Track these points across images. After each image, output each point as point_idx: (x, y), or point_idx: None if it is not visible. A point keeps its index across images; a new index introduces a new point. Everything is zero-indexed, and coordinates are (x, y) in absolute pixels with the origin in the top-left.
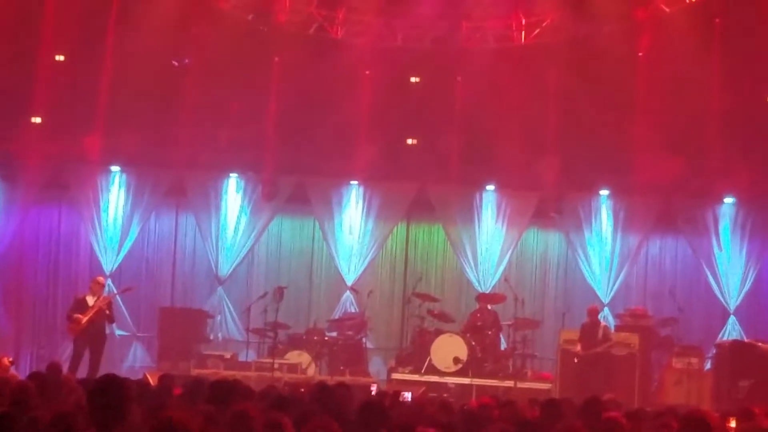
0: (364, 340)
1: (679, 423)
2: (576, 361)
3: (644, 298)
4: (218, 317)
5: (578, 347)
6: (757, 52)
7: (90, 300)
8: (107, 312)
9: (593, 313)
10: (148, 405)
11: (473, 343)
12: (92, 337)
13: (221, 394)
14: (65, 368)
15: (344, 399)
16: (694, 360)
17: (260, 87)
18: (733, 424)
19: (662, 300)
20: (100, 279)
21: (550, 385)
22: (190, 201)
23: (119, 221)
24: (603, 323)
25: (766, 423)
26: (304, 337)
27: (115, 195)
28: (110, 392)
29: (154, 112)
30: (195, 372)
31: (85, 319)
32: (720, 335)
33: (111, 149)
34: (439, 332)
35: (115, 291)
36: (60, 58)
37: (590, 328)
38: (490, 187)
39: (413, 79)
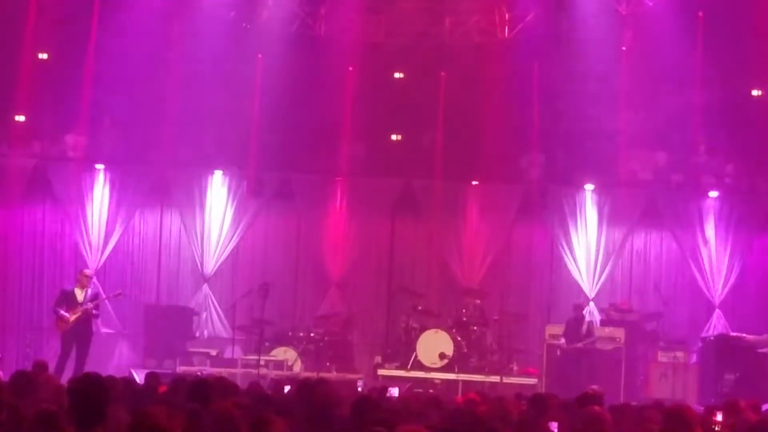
0: (349, 336)
1: (661, 416)
2: (558, 354)
3: (629, 292)
4: (204, 314)
5: (562, 341)
6: (740, 46)
7: (78, 293)
8: (94, 311)
9: (578, 308)
10: (133, 403)
11: (459, 338)
12: (79, 335)
13: (204, 391)
14: (52, 366)
15: (328, 395)
16: (679, 354)
17: (244, 84)
18: (719, 417)
19: (647, 294)
20: (87, 271)
21: (536, 380)
22: (175, 198)
23: (104, 219)
24: (587, 318)
25: (751, 416)
26: (290, 334)
27: (99, 193)
28: (90, 391)
29: (137, 109)
30: (181, 369)
31: (72, 318)
32: (705, 329)
33: (95, 147)
34: (424, 328)
35: (103, 294)
36: (43, 56)
37: (574, 324)
38: (475, 182)
39: (397, 75)
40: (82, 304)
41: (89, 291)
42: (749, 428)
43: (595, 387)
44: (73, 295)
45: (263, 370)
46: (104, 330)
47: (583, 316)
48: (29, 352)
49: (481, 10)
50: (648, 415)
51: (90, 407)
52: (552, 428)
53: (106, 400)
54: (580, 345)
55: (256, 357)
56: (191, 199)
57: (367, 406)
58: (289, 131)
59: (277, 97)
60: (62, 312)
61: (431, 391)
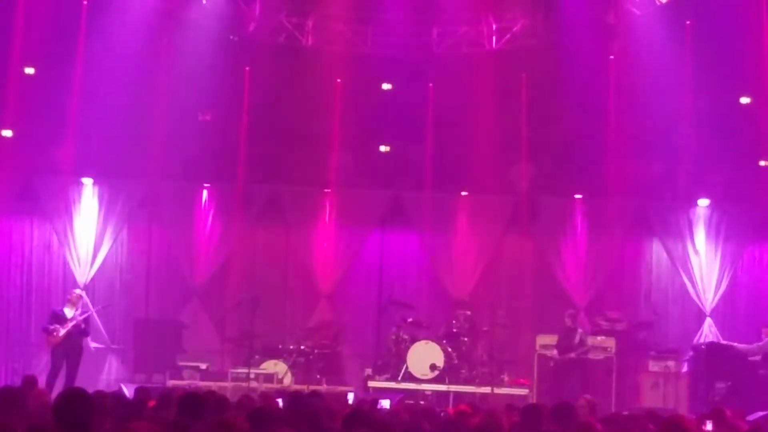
0: (339, 348)
1: (656, 427)
2: (552, 365)
3: (620, 302)
4: (193, 328)
5: (555, 352)
6: (728, 54)
7: (68, 312)
8: (83, 326)
9: (570, 318)
10: (123, 418)
11: (449, 349)
12: (69, 349)
13: (193, 405)
14: (42, 381)
15: (319, 408)
16: (670, 363)
17: (231, 96)
18: (709, 426)
19: (638, 304)
20: (77, 292)
21: (528, 390)
22: (163, 210)
23: (92, 232)
24: (580, 329)
25: (741, 425)
26: (280, 347)
27: (87, 207)
28: (76, 407)
29: (125, 123)
30: (171, 383)
31: (62, 332)
32: (696, 338)
33: (82, 161)
34: (414, 339)
35: (92, 308)
36: (30, 71)
37: (567, 334)
38: (464, 193)
39: (385, 86)
40: (71, 320)
41: (79, 310)
42: None
43: (587, 396)
44: (63, 315)
45: (253, 384)
46: (93, 345)
47: (575, 326)
48: (17, 367)
49: (469, 21)
50: (642, 425)
51: (76, 422)
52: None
53: (92, 416)
54: (573, 355)
55: (246, 370)
56: (179, 211)
57: (358, 419)
58: (277, 143)
59: (265, 110)
60: (51, 327)
61: (422, 402)
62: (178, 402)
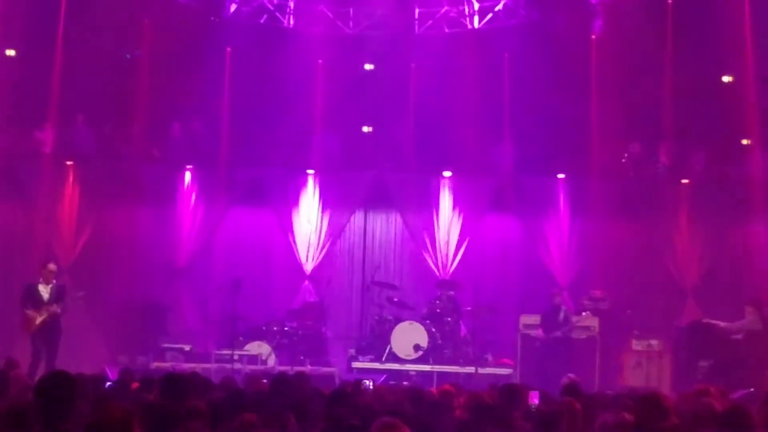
0: (323, 329)
1: (634, 404)
2: (537, 345)
3: (603, 281)
4: (177, 310)
5: (539, 331)
6: (710, 32)
7: (42, 289)
8: (59, 311)
9: (554, 296)
10: (105, 400)
11: (433, 329)
12: (47, 335)
13: (174, 387)
14: (24, 364)
15: (304, 389)
16: (653, 342)
17: (213, 78)
18: None
19: (621, 283)
20: (52, 266)
21: (511, 370)
22: (147, 193)
23: (74, 215)
24: (564, 307)
25: (717, 404)
26: (264, 328)
27: (69, 189)
28: (58, 389)
29: (107, 105)
30: (154, 365)
31: (38, 320)
32: (679, 316)
33: (65, 143)
34: (398, 320)
35: (68, 290)
36: (11, 53)
37: (551, 312)
38: (447, 174)
39: (367, 67)
40: (47, 303)
41: (54, 285)
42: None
43: (571, 375)
44: (37, 291)
45: (237, 365)
46: (76, 326)
47: (559, 305)
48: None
49: (450, 1)
50: (623, 402)
51: (57, 404)
52: (533, 399)
53: (74, 398)
54: (558, 333)
55: (229, 352)
56: (163, 193)
57: (340, 400)
58: (259, 125)
59: (247, 91)
60: (27, 312)
61: (406, 383)
62: (158, 384)
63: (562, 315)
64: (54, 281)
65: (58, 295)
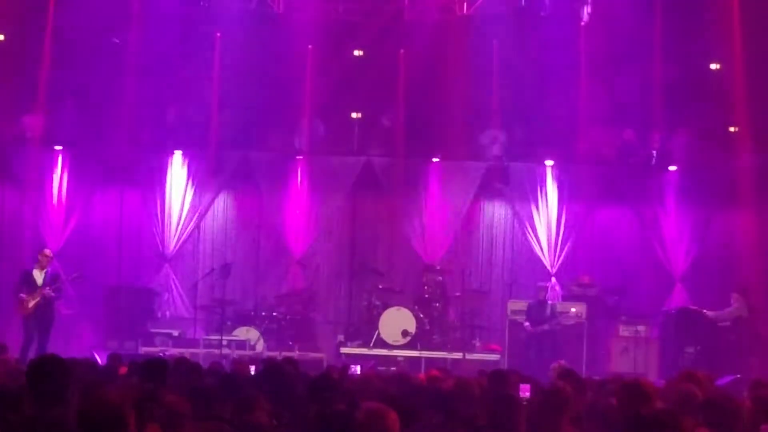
0: (312, 315)
1: (619, 390)
2: (524, 336)
3: (591, 267)
4: (165, 295)
5: (527, 324)
6: (699, 20)
7: (37, 274)
8: (52, 295)
9: (541, 291)
10: (94, 385)
11: (421, 315)
12: (40, 319)
13: (157, 370)
14: (16, 349)
15: (293, 375)
16: (641, 328)
17: (203, 62)
18: None
19: (609, 269)
20: (47, 252)
21: (499, 356)
22: (135, 178)
23: (63, 200)
24: (550, 301)
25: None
26: (252, 313)
27: (58, 174)
28: (50, 373)
29: (95, 89)
30: (143, 350)
31: (31, 303)
32: (666, 303)
33: (53, 128)
34: (386, 305)
35: (63, 276)
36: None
37: (538, 306)
38: (436, 160)
39: (356, 53)
40: (41, 286)
41: (48, 271)
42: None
43: (561, 362)
44: (32, 276)
45: (225, 350)
46: (65, 311)
47: (546, 299)
48: None
49: None
50: (610, 388)
51: (50, 388)
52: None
53: (66, 382)
54: (546, 327)
55: (218, 337)
56: (151, 179)
57: (326, 385)
58: (248, 110)
59: (236, 76)
60: (21, 296)
61: (393, 368)
62: (141, 368)
63: (548, 310)
64: (48, 267)
65: (51, 281)
